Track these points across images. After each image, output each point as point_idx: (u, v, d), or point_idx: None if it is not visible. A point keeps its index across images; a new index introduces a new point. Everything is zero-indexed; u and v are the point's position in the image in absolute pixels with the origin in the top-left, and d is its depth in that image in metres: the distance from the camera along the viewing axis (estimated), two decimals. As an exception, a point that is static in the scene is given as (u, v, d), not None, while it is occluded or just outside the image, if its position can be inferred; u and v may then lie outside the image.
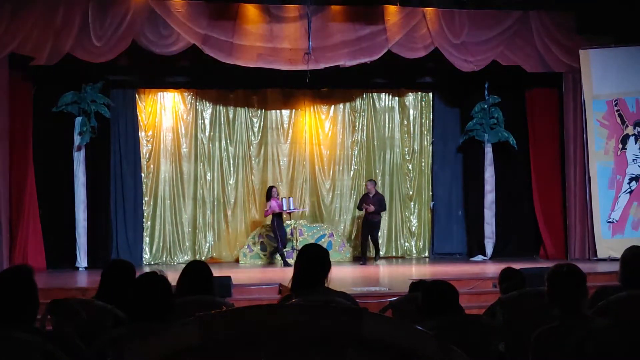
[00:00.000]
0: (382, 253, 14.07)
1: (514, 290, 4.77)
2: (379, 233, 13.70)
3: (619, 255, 4.65)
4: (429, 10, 12.36)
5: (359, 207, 13.46)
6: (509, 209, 13.73)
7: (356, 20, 12.16)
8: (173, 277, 4.35)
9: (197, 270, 4.53)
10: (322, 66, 11.99)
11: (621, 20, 12.34)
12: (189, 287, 4.38)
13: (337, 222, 14.31)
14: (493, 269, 11.71)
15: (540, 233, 13.41)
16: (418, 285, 5.02)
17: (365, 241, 13.38)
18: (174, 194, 13.81)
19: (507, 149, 13.58)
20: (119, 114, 13.30)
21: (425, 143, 14.64)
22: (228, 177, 14.06)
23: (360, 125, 14.53)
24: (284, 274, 10.32)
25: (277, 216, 13.03)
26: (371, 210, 13.10)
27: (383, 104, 14.66)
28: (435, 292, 3.81)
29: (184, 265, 4.70)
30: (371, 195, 13.19)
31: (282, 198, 13.29)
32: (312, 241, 12.77)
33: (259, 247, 13.56)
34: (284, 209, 13.10)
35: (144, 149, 13.71)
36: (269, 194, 13.13)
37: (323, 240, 13.50)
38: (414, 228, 14.57)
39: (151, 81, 13.52)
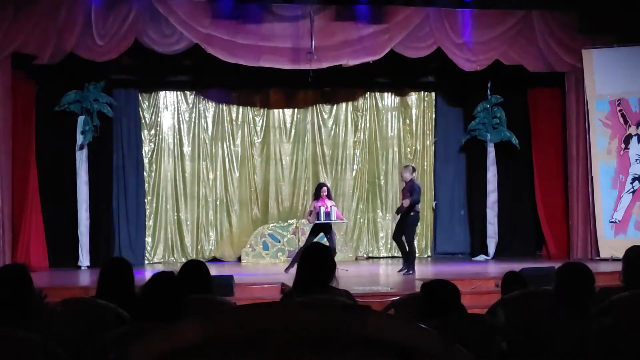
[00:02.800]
0: (384, 253, 14.07)
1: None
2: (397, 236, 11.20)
3: (621, 256, 4.64)
4: (431, 10, 12.35)
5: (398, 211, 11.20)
6: (512, 208, 13.72)
7: (359, 20, 12.16)
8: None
9: (194, 270, 4.52)
10: (324, 65, 11.99)
11: (624, 20, 12.33)
12: (187, 287, 4.36)
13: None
14: (495, 268, 11.72)
15: (542, 233, 13.40)
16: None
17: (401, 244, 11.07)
18: (176, 193, 13.81)
19: (509, 149, 13.57)
20: (122, 113, 13.30)
21: (428, 143, 14.64)
22: (230, 176, 14.06)
23: (363, 125, 14.52)
24: (287, 274, 10.32)
25: (322, 229, 11.14)
26: (405, 205, 10.68)
27: (385, 104, 14.65)
28: (436, 292, 3.80)
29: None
30: (405, 185, 10.98)
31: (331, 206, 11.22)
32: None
33: (262, 246, 13.55)
34: (332, 218, 11.06)
35: (147, 148, 13.71)
36: (318, 192, 11.38)
37: (324, 240, 13.46)
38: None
39: (154, 80, 13.51)
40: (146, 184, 13.63)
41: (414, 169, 11.41)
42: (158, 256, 13.60)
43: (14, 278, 3.10)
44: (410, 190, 10.78)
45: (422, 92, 14.69)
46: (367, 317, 1.33)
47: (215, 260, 13.55)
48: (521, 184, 13.73)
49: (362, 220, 14.49)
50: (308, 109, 14.38)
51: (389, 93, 14.65)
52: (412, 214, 10.80)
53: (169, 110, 13.89)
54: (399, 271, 11.05)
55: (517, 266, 8.62)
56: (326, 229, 11.17)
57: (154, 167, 13.77)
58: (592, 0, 12.39)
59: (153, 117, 13.79)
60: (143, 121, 13.67)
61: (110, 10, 11.49)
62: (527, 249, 13.53)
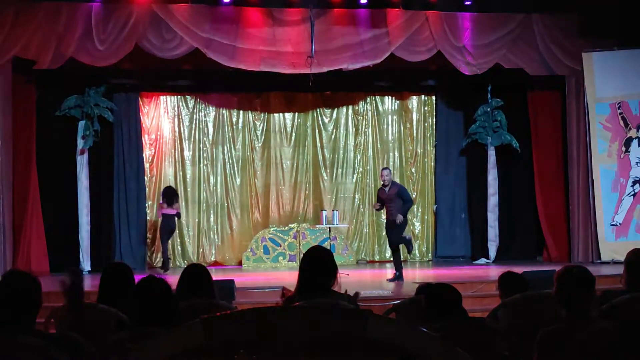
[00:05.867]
0: (385, 257, 14.02)
1: (514, 294, 4.76)
2: (397, 238, 10.99)
3: (622, 258, 4.64)
4: (431, 14, 12.36)
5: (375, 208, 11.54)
6: (512, 212, 13.72)
7: (359, 24, 12.17)
8: (174, 281, 4.35)
9: (195, 274, 4.52)
10: (325, 69, 11.99)
11: (624, 23, 12.33)
12: (188, 291, 4.36)
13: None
14: (496, 272, 11.63)
15: (543, 236, 13.40)
16: (424, 289, 5.01)
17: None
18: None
19: (510, 152, 13.57)
20: (122, 117, 13.32)
21: (428, 146, 14.64)
22: (231, 180, 14.06)
23: (363, 129, 14.53)
24: (288, 277, 10.31)
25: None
26: (376, 208, 11.34)
27: (386, 107, 14.66)
28: (438, 295, 3.80)
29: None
30: (386, 188, 10.88)
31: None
32: (315, 244, 12.68)
33: (262, 250, 13.55)
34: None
35: (147, 153, 13.72)
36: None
37: (326, 243, 13.44)
38: (417, 231, 14.54)
39: (154, 85, 13.54)
40: (147, 189, 13.63)
41: (390, 170, 11.32)
42: (159, 261, 13.59)
43: (22, 282, 3.10)
44: (400, 196, 10.74)
45: (423, 96, 14.70)
46: (367, 320, 1.34)
47: (216, 264, 13.55)
48: (522, 187, 13.73)
49: (362, 224, 14.48)
50: (308, 112, 14.39)
51: (389, 97, 14.66)
52: (393, 218, 10.74)
53: (170, 115, 13.90)
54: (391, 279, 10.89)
55: (518, 269, 8.59)
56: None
57: (155, 171, 13.77)
58: (592, 4, 12.39)
59: (153, 121, 13.80)
60: (143, 126, 13.68)
61: (111, 15, 11.50)
62: (528, 252, 13.53)
